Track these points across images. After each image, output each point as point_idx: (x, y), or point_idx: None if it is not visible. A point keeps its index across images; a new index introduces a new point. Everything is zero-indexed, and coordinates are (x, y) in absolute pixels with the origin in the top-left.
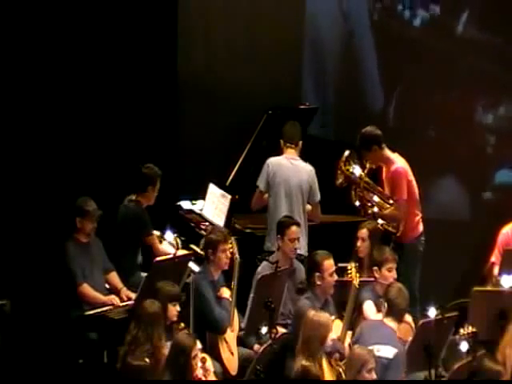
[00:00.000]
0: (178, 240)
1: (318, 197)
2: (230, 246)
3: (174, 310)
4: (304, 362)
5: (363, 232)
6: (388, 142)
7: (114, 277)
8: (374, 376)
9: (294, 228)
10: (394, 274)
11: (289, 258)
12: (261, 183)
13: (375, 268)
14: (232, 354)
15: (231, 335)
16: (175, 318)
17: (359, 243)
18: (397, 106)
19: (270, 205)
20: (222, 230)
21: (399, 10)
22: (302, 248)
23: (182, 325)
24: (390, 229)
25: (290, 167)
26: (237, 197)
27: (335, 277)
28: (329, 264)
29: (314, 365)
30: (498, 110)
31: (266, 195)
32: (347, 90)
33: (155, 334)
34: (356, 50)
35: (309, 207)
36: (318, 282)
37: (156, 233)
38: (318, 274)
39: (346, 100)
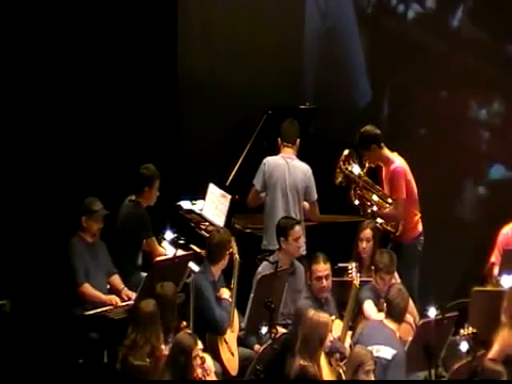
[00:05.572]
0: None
1: (315, 196)
2: (230, 245)
3: None
4: (302, 362)
5: (368, 232)
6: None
7: (116, 279)
8: (371, 378)
9: (297, 227)
10: (386, 284)
11: (293, 257)
12: (257, 182)
13: (373, 268)
14: (232, 354)
15: (231, 335)
16: None
17: (365, 244)
18: (387, 104)
19: (267, 204)
20: (225, 229)
21: (392, 5)
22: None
23: (185, 323)
24: (388, 228)
25: (286, 166)
26: (237, 197)
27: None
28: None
29: (313, 365)
30: (491, 107)
31: (263, 194)
32: (332, 87)
33: (153, 333)
34: (342, 46)
35: (306, 206)
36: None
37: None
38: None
39: (332, 97)
